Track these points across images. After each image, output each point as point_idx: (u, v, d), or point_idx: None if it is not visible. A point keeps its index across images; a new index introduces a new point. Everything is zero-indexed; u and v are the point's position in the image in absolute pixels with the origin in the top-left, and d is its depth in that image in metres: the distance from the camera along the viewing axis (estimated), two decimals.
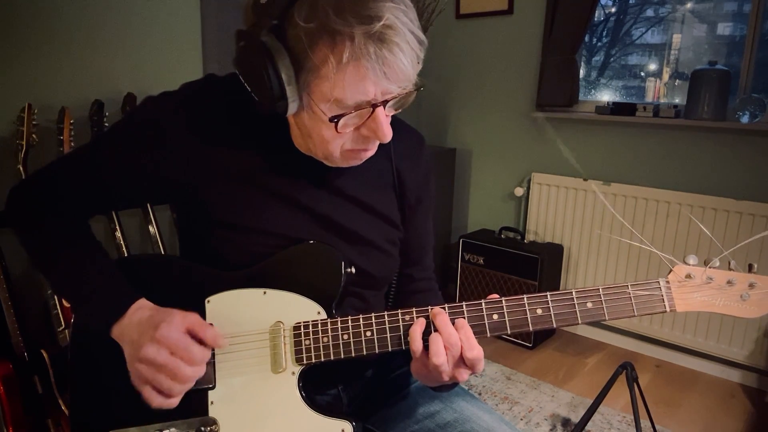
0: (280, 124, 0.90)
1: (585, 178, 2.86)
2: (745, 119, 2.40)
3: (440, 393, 1.04)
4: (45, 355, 1.72)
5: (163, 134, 0.88)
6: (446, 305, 0.84)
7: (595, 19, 2.99)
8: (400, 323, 0.84)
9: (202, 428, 0.86)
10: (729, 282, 0.81)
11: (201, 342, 0.83)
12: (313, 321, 0.87)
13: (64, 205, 0.95)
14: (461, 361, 0.81)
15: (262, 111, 0.80)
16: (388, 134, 0.81)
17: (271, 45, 0.75)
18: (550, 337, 3.00)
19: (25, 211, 0.96)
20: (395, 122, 0.85)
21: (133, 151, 0.90)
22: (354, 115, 0.79)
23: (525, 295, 0.82)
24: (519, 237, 3.02)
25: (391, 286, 1.10)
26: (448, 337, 0.80)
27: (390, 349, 0.85)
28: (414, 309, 0.84)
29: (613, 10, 3.30)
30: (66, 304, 1.83)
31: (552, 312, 0.82)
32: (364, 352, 0.85)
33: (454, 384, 0.90)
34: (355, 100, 0.77)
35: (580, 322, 0.82)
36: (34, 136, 1.77)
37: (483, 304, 0.83)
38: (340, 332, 0.85)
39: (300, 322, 0.87)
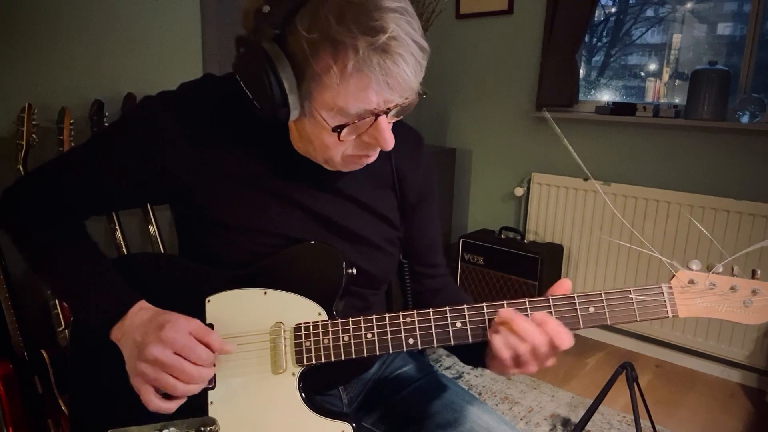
0: (279, 125, 0.90)
1: (585, 178, 2.86)
2: (745, 119, 2.40)
3: (440, 394, 1.05)
4: (45, 355, 1.72)
5: (160, 134, 0.88)
6: (484, 303, 0.83)
7: (595, 19, 2.99)
8: (401, 325, 0.84)
9: (202, 428, 0.86)
10: (732, 288, 0.81)
11: (206, 346, 0.83)
12: (313, 322, 0.86)
13: (58, 206, 0.94)
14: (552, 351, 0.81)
15: (262, 116, 0.79)
16: (390, 142, 0.81)
17: (272, 53, 0.74)
18: None
19: (19, 213, 0.95)
20: (393, 122, 0.85)
21: (130, 152, 0.89)
22: (356, 124, 0.78)
23: (527, 299, 0.82)
24: (519, 237, 3.02)
25: (405, 288, 1.09)
26: (534, 339, 0.79)
27: (391, 350, 0.84)
28: (415, 311, 0.84)
29: (613, 10, 3.30)
30: (66, 304, 1.83)
31: (554, 317, 0.82)
32: (365, 354, 0.85)
33: None
34: (357, 109, 0.76)
35: (582, 326, 0.82)
36: (34, 136, 1.77)
37: (485, 307, 0.83)
38: (340, 333, 0.85)
39: (300, 323, 0.87)
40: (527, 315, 0.81)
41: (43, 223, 0.93)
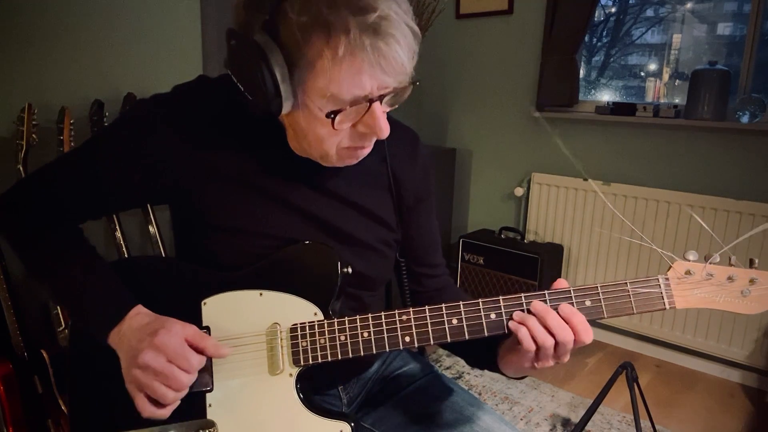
0: (274, 125, 0.89)
1: (585, 178, 2.86)
2: (745, 119, 2.40)
3: (440, 394, 1.05)
4: (45, 355, 1.72)
5: (154, 137, 0.88)
6: (480, 300, 0.83)
7: (595, 19, 2.99)
8: (398, 324, 0.84)
9: (201, 430, 0.86)
10: (729, 278, 0.80)
11: (200, 352, 0.83)
12: (309, 322, 0.86)
13: (55, 211, 0.94)
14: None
15: (255, 111, 0.79)
16: (385, 129, 0.80)
17: (263, 43, 0.74)
18: None
19: (16, 218, 0.94)
20: (389, 122, 0.84)
21: (124, 154, 0.89)
22: (350, 111, 0.78)
23: (522, 294, 0.82)
24: (519, 237, 3.02)
25: (403, 288, 1.09)
26: (563, 338, 0.79)
27: (387, 349, 0.84)
28: (411, 309, 0.84)
29: (613, 10, 3.30)
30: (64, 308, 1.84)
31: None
32: (362, 353, 0.84)
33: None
34: (351, 95, 0.76)
35: (584, 317, 0.81)
36: (34, 136, 1.77)
37: (480, 303, 0.83)
38: (337, 333, 0.85)
39: (297, 324, 0.87)
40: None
41: (41, 228, 0.93)
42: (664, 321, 2.72)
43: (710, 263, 0.80)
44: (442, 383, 1.08)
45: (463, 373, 2.62)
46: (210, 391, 0.87)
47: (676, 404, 2.41)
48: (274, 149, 0.91)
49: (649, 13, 3.16)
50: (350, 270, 0.90)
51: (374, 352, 0.84)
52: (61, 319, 1.84)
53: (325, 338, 0.85)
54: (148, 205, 1.95)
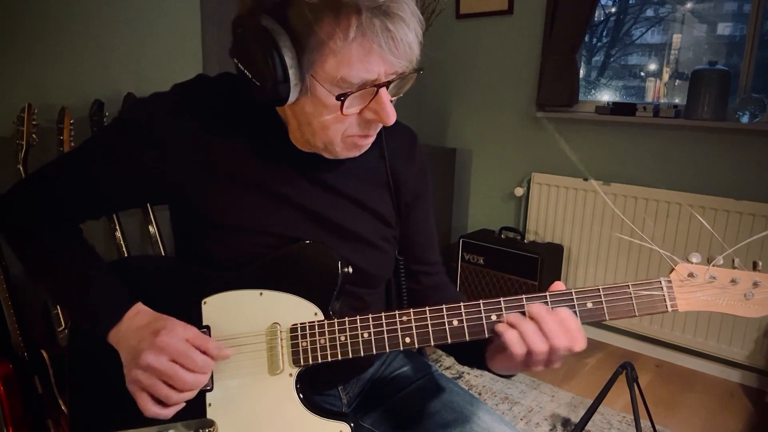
0: (275, 121, 0.90)
1: (585, 178, 2.86)
2: (745, 119, 2.40)
3: (440, 393, 1.04)
4: (45, 355, 1.72)
5: (153, 136, 0.88)
6: (481, 301, 0.82)
7: (595, 19, 2.99)
8: (398, 324, 0.84)
9: (200, 430, 0.86)
10: (733, 281, 0.79)
11: (203, 353, 0.83)
12: (310, 322, 0.86)
13: (55, 211, 0.94)
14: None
15: (262, 98, 0.79)
16: (392, 115, 0.81)
17: (271, 28, 0.74)
18: None
19: (16, 218, 0.94)
20: None
21: (124, 154, 0.89)
22: (358, 94, 0.78)
23: (524, 295, 0.82)
24: (519, 237, 3.02)
25: (401, 286, 1.09)
26: (557, 344, 0.78)
27: (387, 350, 0.84)
28: (411, 310, 0.84)
29: (613, 10, 3.30)
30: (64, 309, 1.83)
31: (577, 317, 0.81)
32: (362, 353, 0.84)
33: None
34: (360, 79, 0.76)
35: (580, 322, 0.81)
36: (34, 136, 1.77)
37: (482, 304, 0.82)
38: (337, 333, 0.85)
39: (297, 324, 0.87)
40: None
41: (40, 228, 0.93)
42: (664, 321, 2.72)
43: (713, 266, 0.80)
44: (441, 383, 1.08)
45: (463, 373, 2.62)
46: (210, 390, 0.87)
47: (676, 404, 2.41)
48: (275, 145, 0.91)
49: (649, 13, 3.16)
50: (351, 270, 0.90)
51: (374, 352, 0.84)
52: (61, 319, 1.83)
53: (325, 338, 0.85)
54: (148, 205, 1.95)
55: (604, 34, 3.37)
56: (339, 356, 0.85)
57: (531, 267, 2.81)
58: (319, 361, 0.85)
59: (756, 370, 2.54)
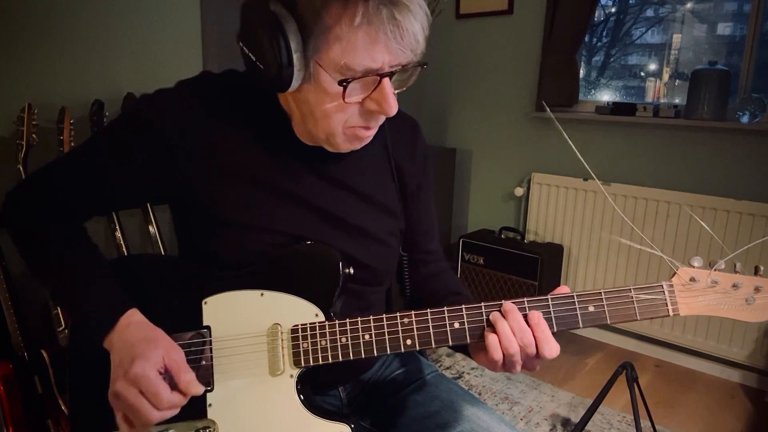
0: (280, 115, 0.90)
1: (585, 178, 2.86)
2: (745, 119, 2.40)
3: (439, 394, 1.04)
4: (45, 355, 1.72)
5: (159, 132, 0.88)
6: (483, 303, 0.83)
7: (595, 19, 2.99)
8: (399, 326, 0.84)
9: (201, 430, 0.86)
10: (734, 285, 0.79)
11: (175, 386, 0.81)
12: (311, 323, 0.86)
13: (60, 208, 0.94)
14: (535, 356, 0.80)
15: (265, 82, 0.79)
16: (393, 106, 0.81)
17: (279, 12, 0.75)
18: None
19: (21, 216, 0.95)
20: None
21: (129, 150, 0.89)
22: (361, 82, 0.78)
23: (525, 298, 0.82)
24: (519, 237, 3.02)
25: (404, 283, 1.09)
26: (522, 338, 0.79)
27: (388, 351, 0.84)
28: (413, 312, 0.84)
29: (613, 10, 3.30)
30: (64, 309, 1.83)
31: (553, 315, 0.81)
32: (363, 355, 0.84)
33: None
34: (363, 67, 0.77)
35: (581, 326, 0.81)
36: (34, 136, 1.77)
37: (483, 306, 0.82)
38: (338, 335, 0.85)
39: (298, 325, 0.86)
40: (525, 313, 0.81)
41: (46, 226, 0.93)
42: (664, 321, 2.72)
43: (715, 270, 0.80)
44: (441, 383, 1.08)
45: (462, 373, 2.62)
46: (210, 390, 0.87)
47: (676, 404, 2.42)
48: (280, 140, 0.91)
49: (649, 13, 3.16)
50: (352, 270, 0.90)
51: (375, 354, 0.84)
52: (61, 319, 1.83)
53: (326, 340, 0.85)
54: (149, 205, 1.95)
55: (604, 34, 3.37)
56: (340, 358, 0.85)
57: (531, 267, 2.81)
58: (320, 362, 0.85)
59: (756, 370, 2.54)
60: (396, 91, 0.82)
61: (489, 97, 3.19)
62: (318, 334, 0.85)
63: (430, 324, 0.83)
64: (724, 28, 2.90)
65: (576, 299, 0.81)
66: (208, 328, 0.88)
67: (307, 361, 0.86)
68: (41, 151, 1.80)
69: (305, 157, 0.92)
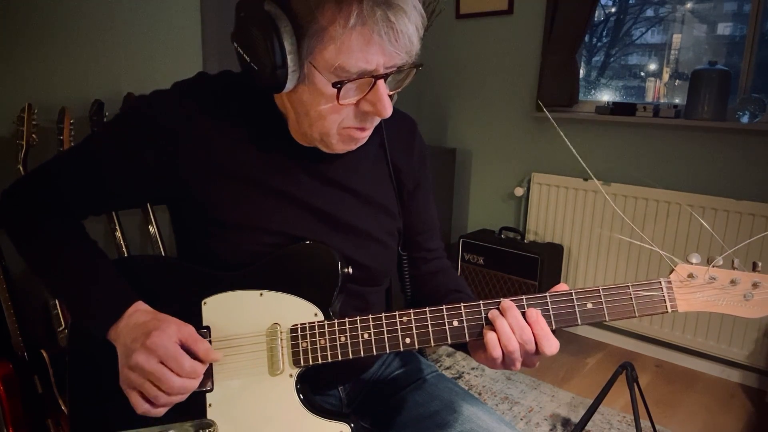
0: (276, 115, 0.90)
1: (585, 178, 2.86)
2: (745, 119, 2.40)
3: (439, 393, 1.04)
4: (45, 355, 1.72)
5: (154, 133, 0.88)
6: (481, 302, 0.83)
7: (595, 19, 2.99)
8: (398, 325, 0.84)
9: (200, 431, 0.86)
10: (732, 281, 0.79)
11: (194, 356, 0.82)
12: (310, 323, 0.86)
13: (57, 206, 0.94)
14: (535, 353, 0.81)
15: (260, 83, 0.79)
16: (388, 108, 0.81)
17: (273, 13, 0.75)
18: None
19: (19, 213, 0.95)
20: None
21: (126, 150, 0.89)
22: (355, 84, 0.78)
23: (524, 296, 0.82)
24: (519, 237, 3.02)
25: (404, 282, 1.09)
26: (521, 335, 0.79)
27: (388, 350, 0.84)
28: (412, 311, 0.84)
29: (613, 10, 3.30)
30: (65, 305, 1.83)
31: (551, 313, 0.81)
32: (362, 354, 0.84)
33: None
34: (358, 68, 0.77)
35: (580, 323, 0.81)
36: (34, 136, 1.77)
37: (482, 304, 0.83)
38: (337, 334, 0.85)
39: (297, 324, 0.87)
40: (523, 310, 0.81)
41: (43, 224, 0.93)
42: (664, 321, 2.72)
43: (713, 266, 0.80)
44: (441, 383, 1.08)
45: (462, 373, 2.62)
46: (210, 390, 0.87)
47: (676, 404, 2.42)
48: (275, 141, 0.91)
49: (649, 13, 3.16)
50: (351, 270, 0.90)
51: (374, 353, 0.84)
52: (61, 319, 1.83)
53: (325, 339, 0.85)
54: (148, 205, 1.95)
55: (604, 34, 3.37)
56: (339, 357, 0.85)
57: (531, 267, 2.81)
58: (320, 361, 0.85)
59: (756, 370, 2.54)
60: (391, 93, 0.82)
61: (489, 97, 3.19)
62: (317, 334, 0.86)
63: (429, 323, 0.83)
64: (724, 28, 2.90)
65: (574, 296, 0.81)
66: (208, 328, 0.88)
67: (306, 360, 0.86)
68: (41, 151, 1.80)
69: (301, 157, 0.92)
